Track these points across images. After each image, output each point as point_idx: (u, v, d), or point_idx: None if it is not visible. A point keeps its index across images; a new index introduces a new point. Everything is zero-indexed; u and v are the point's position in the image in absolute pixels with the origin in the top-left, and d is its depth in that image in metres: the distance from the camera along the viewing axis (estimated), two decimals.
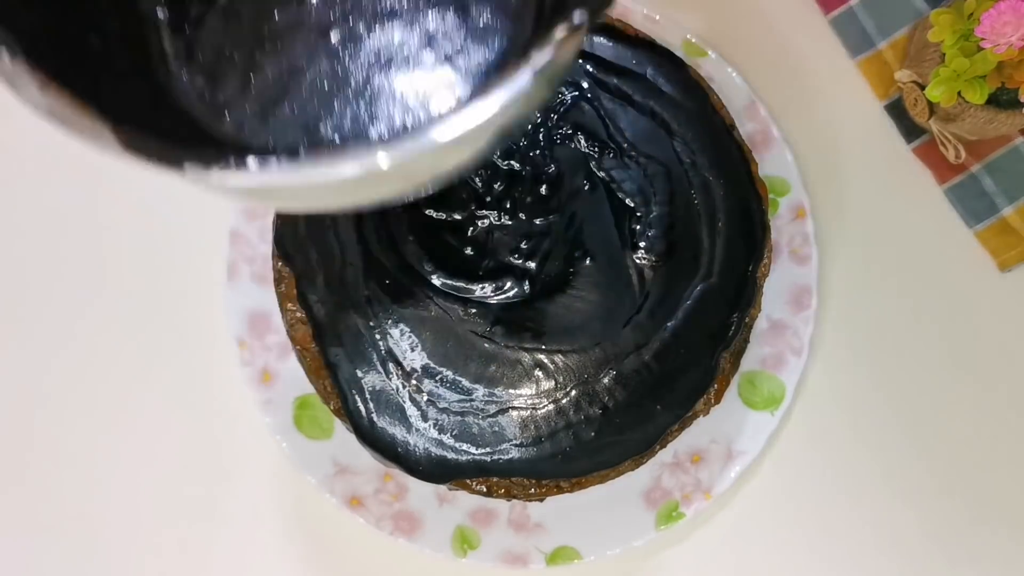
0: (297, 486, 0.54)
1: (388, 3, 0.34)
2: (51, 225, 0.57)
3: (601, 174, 0.52)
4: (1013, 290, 0.56)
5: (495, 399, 0.49)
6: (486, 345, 0.50)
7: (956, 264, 0.57)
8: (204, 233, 0.56)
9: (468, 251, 0.51)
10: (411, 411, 0.49)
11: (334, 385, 0.49)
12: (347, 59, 0.33)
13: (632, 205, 0.51)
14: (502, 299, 0.50)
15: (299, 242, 0.51)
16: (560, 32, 0.25)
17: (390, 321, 0.50)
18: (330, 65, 0.33)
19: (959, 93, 0.49)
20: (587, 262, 0.51)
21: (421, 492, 0.52)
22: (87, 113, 0.26)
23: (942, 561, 0.54)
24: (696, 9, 0.59)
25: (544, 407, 0.49)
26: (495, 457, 0.48)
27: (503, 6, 0.33)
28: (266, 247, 0.54)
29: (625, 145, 0.52)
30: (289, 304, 0.51)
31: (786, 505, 0.54)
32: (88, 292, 0.56)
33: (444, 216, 0.51)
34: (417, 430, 0.49)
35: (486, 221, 0.51)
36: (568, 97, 0.53)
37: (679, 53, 0.55)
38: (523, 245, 0.51)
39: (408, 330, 0.50)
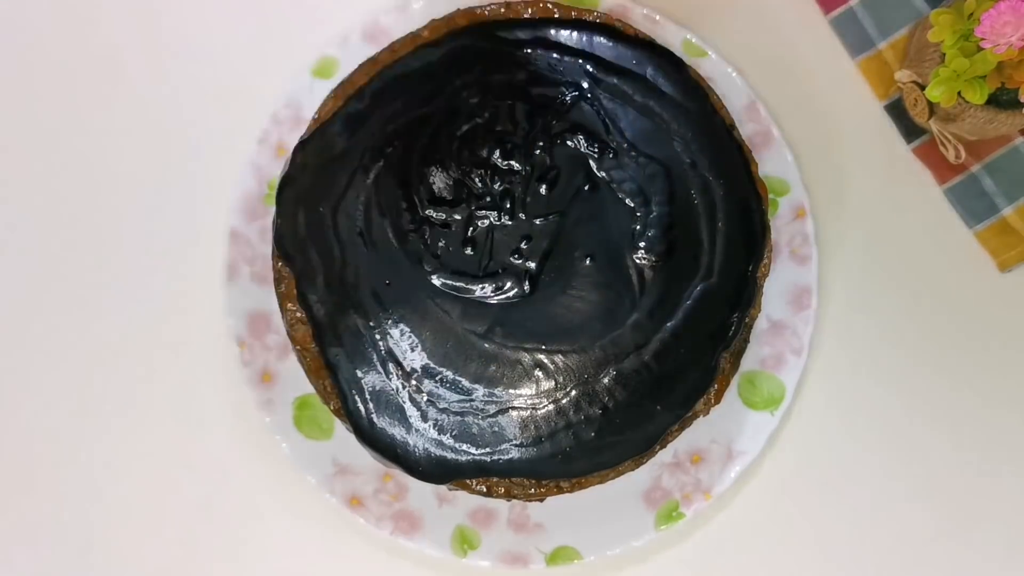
0: (297, 486, 0.54)
1: None
2: (51, 225, 0.57)
3: (601, 174, 0.52)
4: (1013, 290, 0.56)
5: (495, 399, 0.49)
6: (486, 345, 0.50)
7: (956, 264, 0.57)
8: (204, 233, 0.56)
9: (468, 251, 0.51)
10: (411, 411, 0.49)
11: (334, 385, 0.49)
12: None
13: (632, 205, 0.51)
14: (502, 299, 0.50)
15: (299, 242, 0.51)
16: None
17: (390, 321, 0.50)
18: None
19: (959, 93, 0.49)
20: (587, 262, 0.51)
21: (421, 492, 0.52)
22: None
23: (942, 561, 0.54)
24: (696, 9, 0.59)
25: (544, 407, 0.49)
26: (495, 457, 0.48)
27: None
28: (266, 247, 0.54)
29: (625, 145, 0.52)
30: (289, 304, 0.51)
31: (786, 505, 0.54)
32: (88, 292, 0.56)
33: (444, 216, 0.51)
34: (417, 430, 0.49)
35: (486, 221, 0.51)
36: (568, 97, 0.53)
37: (679, 53, 0.55)
38: (523, 245, 0.51)
39: (408, 330, 0.50)
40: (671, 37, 0.57)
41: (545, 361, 0.49)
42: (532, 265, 0.51)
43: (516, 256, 0.51)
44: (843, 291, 0.56)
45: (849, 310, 0.56)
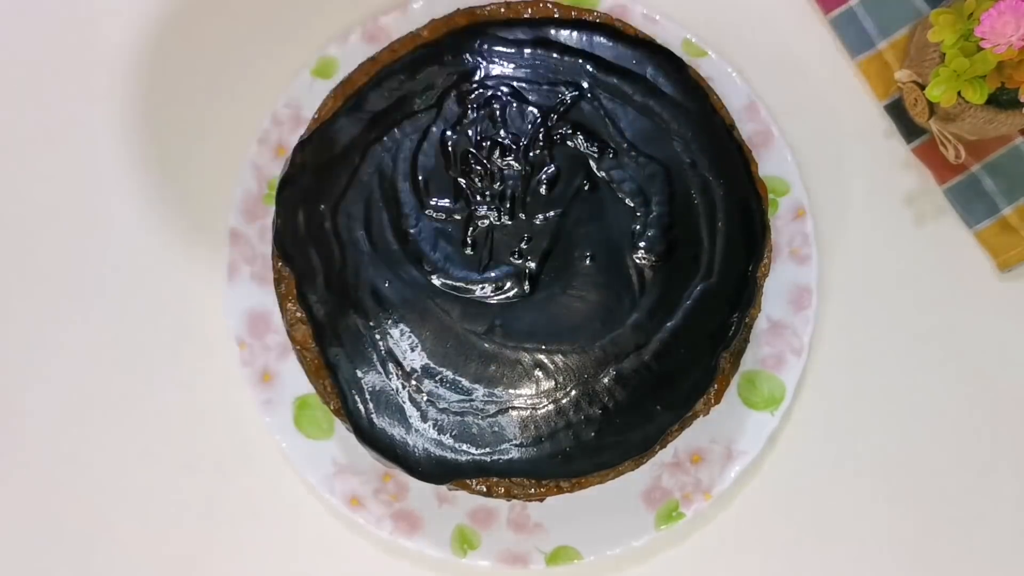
0: (297, 486, 0.54)
1: None
2: (52, 226, 0.57)
3: (601, 174, 0.52)
4: (1013, 290, 0.56)
5: (495, 399, 0.49)
6: (486, 345, 0.50)
7: (956, 264, 0.57)
8: (204, 233, 0.56)
9: (468, 251, 0.51)
10: (411, 411, 0.49)
11: (334, 385, 0.49)
12: None
13: (632, 205, 0.51)
14: (502, 299, 0.50)
15: (299, 242, 0.51)
16: None
17: (390, 321, 0.50)
18: None
19: (959, 93, 0.49)
20: (587, 262, 0.51)
21: (421, 492, 0.52)
22: None
23: (942, 561, 0.54)
24: (696, 9, 0.59)
25: (544, 407, 0.49)
26: (495, 457, 0.48)
27: None
28: (266, 247, 0.54)
29: (625, 145, 0.52)
30: (289, 304, 0.51)
31: (786, 505, 0.54)
32: (89, 292, 0.56)
33: (444, 216, 0.51)
34: (417, 430, 0.49)
35: (486, 221, 0.51)
36: (568, 97, 0.53)
37: (679, 53, 0.55)
38: (523, 245, 0.51)
39: (408, 330, 0.50)
40: (671, 37, 0.57)
41: (545, 361, 0.49)
42: (532, 265, 0.51)
43: (516, 256, 0.51)
44: (843, 291, 0.56)
45: (849, 310, 0.56)
